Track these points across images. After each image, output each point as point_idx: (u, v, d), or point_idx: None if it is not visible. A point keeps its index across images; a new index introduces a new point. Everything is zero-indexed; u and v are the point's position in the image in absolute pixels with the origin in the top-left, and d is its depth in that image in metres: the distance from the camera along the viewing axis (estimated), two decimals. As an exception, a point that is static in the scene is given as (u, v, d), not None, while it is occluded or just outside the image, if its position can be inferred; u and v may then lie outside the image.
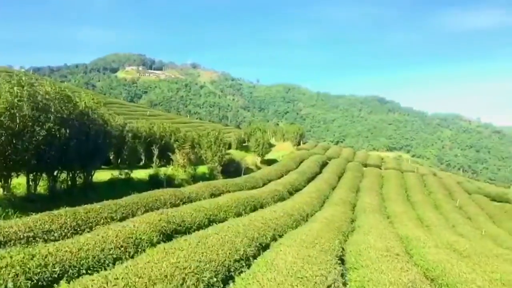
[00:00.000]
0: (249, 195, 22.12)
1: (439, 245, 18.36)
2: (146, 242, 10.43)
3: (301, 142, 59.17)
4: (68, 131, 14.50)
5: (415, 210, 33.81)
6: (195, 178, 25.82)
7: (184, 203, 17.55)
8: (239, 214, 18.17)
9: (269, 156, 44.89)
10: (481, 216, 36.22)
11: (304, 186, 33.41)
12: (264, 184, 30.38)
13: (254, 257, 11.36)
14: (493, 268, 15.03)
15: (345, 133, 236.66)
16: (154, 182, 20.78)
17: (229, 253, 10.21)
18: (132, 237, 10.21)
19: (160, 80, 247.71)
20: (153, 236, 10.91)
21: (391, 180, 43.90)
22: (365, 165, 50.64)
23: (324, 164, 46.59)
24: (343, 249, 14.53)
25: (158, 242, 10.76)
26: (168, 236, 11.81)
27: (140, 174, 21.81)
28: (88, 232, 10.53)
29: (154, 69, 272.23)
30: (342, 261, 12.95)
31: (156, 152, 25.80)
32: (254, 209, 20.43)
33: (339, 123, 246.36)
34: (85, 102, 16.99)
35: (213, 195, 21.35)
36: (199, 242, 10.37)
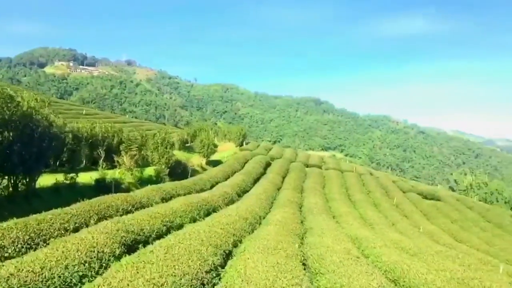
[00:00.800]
0: (200, 198, 21.65)
1: (387, 244, 19.07)
2: (109, 255, 9.75)
3: (244, 143, 59.23)
4: (11, 134, 13.22)
5: (357, 209, 35.03)
6: (142, 182, 24.84)
7: (136, 209, 16.76)
8: (194, 219, 17.70)
9: (213, 157, 44.41)
10: (416, 213, 38.34)
11: (251, 188, 33.39)
12: (212, 186, 29.95)
13: (222, 266, 11.06)
14: (440, 266, 15.87)
15: (282, 133, 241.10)
16: (101, 187, 19.65)
17: (199, 264, 9.82)
18: (93, 251, 9.49)
19: (92, 76, 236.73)
20: (115, 248, 10.23)
21: (332, 179, 45.19)
22: (307, 165, 51.73)
23: (267, 165, 46.95)
24: (303, 253, 14.62)
25: (121, 255, 10.12)
26: (129, 247, 11.15)
27: (85, 178, 20.51)
28: (44, 246, 9.64)
29: (86, 65, 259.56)
30: (304, 265, 13.01)
31: (103, 154, 24.40)
32: (207, 213, 20.02)
33: (277, 123, 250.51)
34: (28, 102, 15.62)
35: (164, 199, 20.64)
36: (166, 253, 9.87)
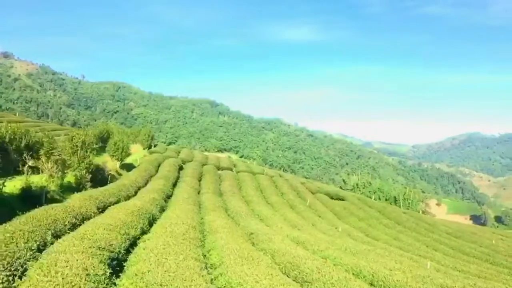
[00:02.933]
0: (136, 206, 20.18)
1: (331, 247, 19.83)
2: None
3: (153, 145, 56.91)
4: None
5: (277, 211, 35.83)
6: (63, 189, 22.37)
7: (81, 221, 15.06)
8: (144, 231, 16.42)
9: (125, 161, 41.92)
10: (328, 213, 40.54)
11: (172, 192, 32.27)
12: (136, 192, 28.24)
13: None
14: (392, 265, 16.96)
15: (177, 134, 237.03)
16: (28, 197, 17.18)
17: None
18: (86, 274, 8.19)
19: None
20: (104, 269, 8.97)
21: (247, 182, 45.65)
22: (219, 168, 51.54)
23: (180, 168, 45.86)
24: (278, 264, 14.40)
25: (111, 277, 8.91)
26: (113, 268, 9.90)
27: (9, 187, 17.74)
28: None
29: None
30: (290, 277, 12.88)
31: (29, 160, 21.24)
32: (150, 223, 18.75)
33: (172, 124, 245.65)
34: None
35: (99, 208, 18.85)
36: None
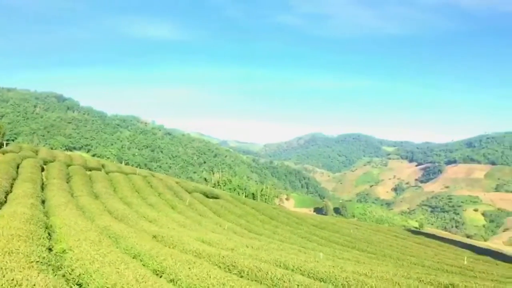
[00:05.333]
0: (26, 214, 17.83)
1: (237, 245, 20.37)
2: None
3: (4, 143, 49.78)
4: None
5: (159, 212, 34.93)
6: None
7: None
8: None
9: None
10: (208, 212, 40.98)
11: (44, 197, 29.07)
12: (6, 198, 24.78)
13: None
14: (298, 257, 18.22)
15: (17, 131, 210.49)
16: None
17: None
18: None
19: None
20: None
21: (121, 183, 43.34)
22: (87, 168, 47.75)
23: (42, 169, 41.46)
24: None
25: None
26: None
27: None
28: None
29: None
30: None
31: None
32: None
33: (10, 119, 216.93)
34: None
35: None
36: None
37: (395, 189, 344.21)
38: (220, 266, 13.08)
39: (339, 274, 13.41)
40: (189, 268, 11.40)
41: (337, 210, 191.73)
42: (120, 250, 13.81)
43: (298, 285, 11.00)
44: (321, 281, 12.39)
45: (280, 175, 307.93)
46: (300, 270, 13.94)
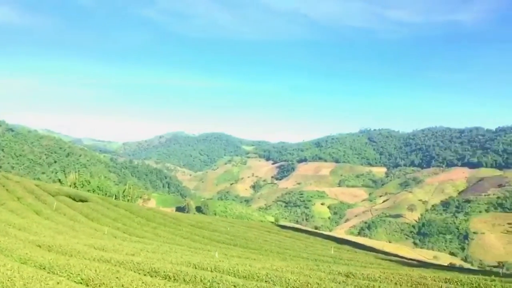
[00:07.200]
0: None
1: (139, 252, 19.39)
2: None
3: None
4: None
5: (25, 219, 31.14)
6: None
7: None
8: None
9: None
10: (79, 216, 37.79)
11: None
12: None
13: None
14: (206, 259, 18.09)
15: None
16: None
17: None
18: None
19: None
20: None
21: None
22: None
23: None
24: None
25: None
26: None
27: None
28: None
29: None
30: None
31: None
32: None
33: None
34: None
35: None
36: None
37: (253, 187, 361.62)
38: (144, 274, 12.40)
39: (257, 271, 13.88)
40: (117, 278, 10.62)
41: (199, 209, 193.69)
42: (18, 263, 12.10)
43: (234, 286, 11.11)
44: (246, 280, 12.67)
45: (141, 175, 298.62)
46: (219, 270, 14.02)
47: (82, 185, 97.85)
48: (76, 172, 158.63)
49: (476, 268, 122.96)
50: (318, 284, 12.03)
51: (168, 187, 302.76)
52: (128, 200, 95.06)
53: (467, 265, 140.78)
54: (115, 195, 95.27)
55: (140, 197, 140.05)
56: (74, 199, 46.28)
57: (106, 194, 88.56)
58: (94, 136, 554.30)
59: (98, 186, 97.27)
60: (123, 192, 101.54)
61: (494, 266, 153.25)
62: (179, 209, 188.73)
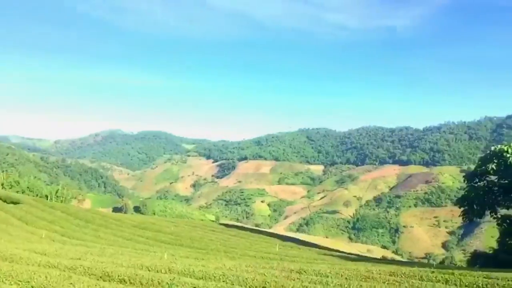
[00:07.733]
0: None
1: (82, 255, 18.60)
2: None
3: None
4: None
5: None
6: None
7: None
8: None
9: None
10: (12, 219, 35.51)
11: None
12: None
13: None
14: (156, 260, 17.67)
15: None
16: None
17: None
18: None
19: None
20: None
21: None
22: None
23: None
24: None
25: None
26: None
27: None
28: None
29: None
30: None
31: None
32: None
33: None
34: None
35: None
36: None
37: (194, 185, 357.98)
38: (97, 278, 11.92)
39: (212, 271, 13.86)
40: (71, 283, 10.15)
41: (137, 209, 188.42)
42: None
43: None
44: (204, 280, 12.60)
45: (74, 174, 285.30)
46: (173, 272, 13.83)
47: (10, 186, 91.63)
48: (3, 172, 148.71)
49: (405, 260, 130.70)
50: (275, 282, 12.25)
51: (104, 187, 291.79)
52: (61, 201, 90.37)
53: (398, 258, 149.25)
54: (48, 196, 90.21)
55: (75, 198, 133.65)
56: (5, 201, 43.38)
57: (37, 195, 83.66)
58: (23, 133, 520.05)
59: (28, 187, 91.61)
60: (56, 192, 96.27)
61: (422, 258, 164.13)
62: (116, 209, 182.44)
